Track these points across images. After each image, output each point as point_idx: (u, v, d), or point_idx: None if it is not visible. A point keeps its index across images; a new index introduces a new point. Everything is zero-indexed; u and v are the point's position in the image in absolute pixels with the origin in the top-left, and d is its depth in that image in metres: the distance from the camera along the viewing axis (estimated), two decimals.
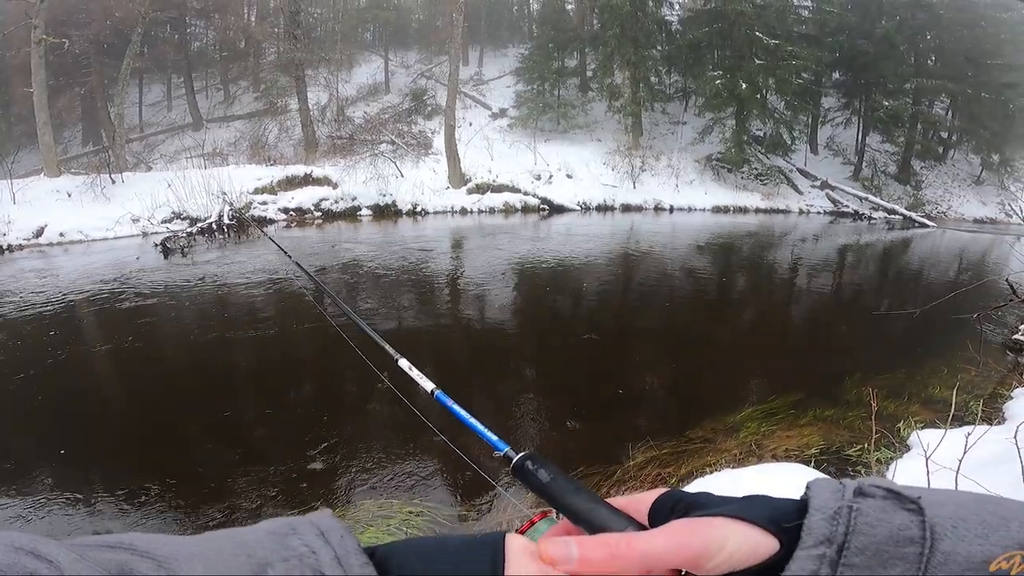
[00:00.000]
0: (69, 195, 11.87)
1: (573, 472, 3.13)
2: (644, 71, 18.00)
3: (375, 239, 11.06)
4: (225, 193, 11.92)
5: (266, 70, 21.28)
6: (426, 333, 5.87)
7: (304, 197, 13.07)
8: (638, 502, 0.38)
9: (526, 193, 14.22)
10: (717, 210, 15.55)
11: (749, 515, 0.31)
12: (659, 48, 18.80)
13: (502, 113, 20.05)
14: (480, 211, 13.77)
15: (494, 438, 0.58)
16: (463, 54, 21.23)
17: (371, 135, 17.46)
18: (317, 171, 14.15)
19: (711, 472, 3.02)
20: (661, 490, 0.38)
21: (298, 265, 2.76)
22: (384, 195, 13.37)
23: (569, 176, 15.52)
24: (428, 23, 24.69)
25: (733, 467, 3.14)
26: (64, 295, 6.96)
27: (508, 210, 13.84)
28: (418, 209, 13.49)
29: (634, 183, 15.71)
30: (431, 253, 9.68)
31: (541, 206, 14.11)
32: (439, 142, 16.43)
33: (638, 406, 4.21)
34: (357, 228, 12.17)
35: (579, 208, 14.38)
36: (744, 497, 0.35)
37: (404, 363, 0.98)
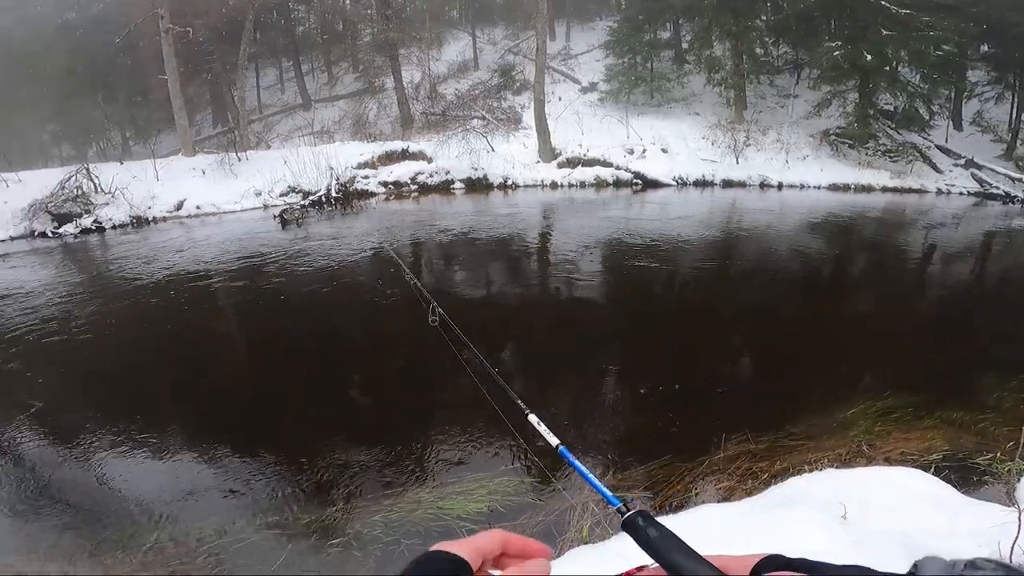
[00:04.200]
0: (203, 172, 13.57)
1: (655, 461, 3.23)
2: (748, 42, 16.83)
3: (468, 211, 11.52)
4: (332, 168, 12.97)
5: (363, 51, 22.46)
6: (515, 301, 6.14)
7: (401, 171, 13.85)
8: (740, 562, 0.42)
9: (618, 167, 13.95)
10: (835, 188, 14.23)
11: None
12: (764, 18, 17.45)
13: (592, 87, 19.64)
14: (571, 185, 13.77)
15: (609, 494, 0.63)
16: (550, 29, 20.89)
17: (462, 111, 17.93)
18: (413, 146, 14.90)
19: (810, 471, 2.94)
20: (764, 553, 0.42)
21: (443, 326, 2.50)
22: (476, 169, 13.79)
23: (664, 150, 14.93)
24: None
25: (837, 467, 3.01)
26: (207, 260, 8.14)
27: (599, 184, 13.71)
28: (509, 183, 13.78)
29: (737, 158, 14.78)
30: (522, 226, 9.92)
31: (634, 181, 13.77)
32: (529, 117, 16.49)
33: (734, 395, 4.12)
34: (451, 201, 12.75)
35: (675, 183, 13.85)
36: (845, 565, 0.38)
37: (533, 418, 1.06)
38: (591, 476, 0.74)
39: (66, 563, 2.70)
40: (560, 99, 18.63)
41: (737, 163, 14.73)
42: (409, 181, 13.71)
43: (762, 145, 15.66)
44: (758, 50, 17.61)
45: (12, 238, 11.40)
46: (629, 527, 0.49)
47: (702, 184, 13.93)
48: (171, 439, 3.71)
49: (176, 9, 15.13)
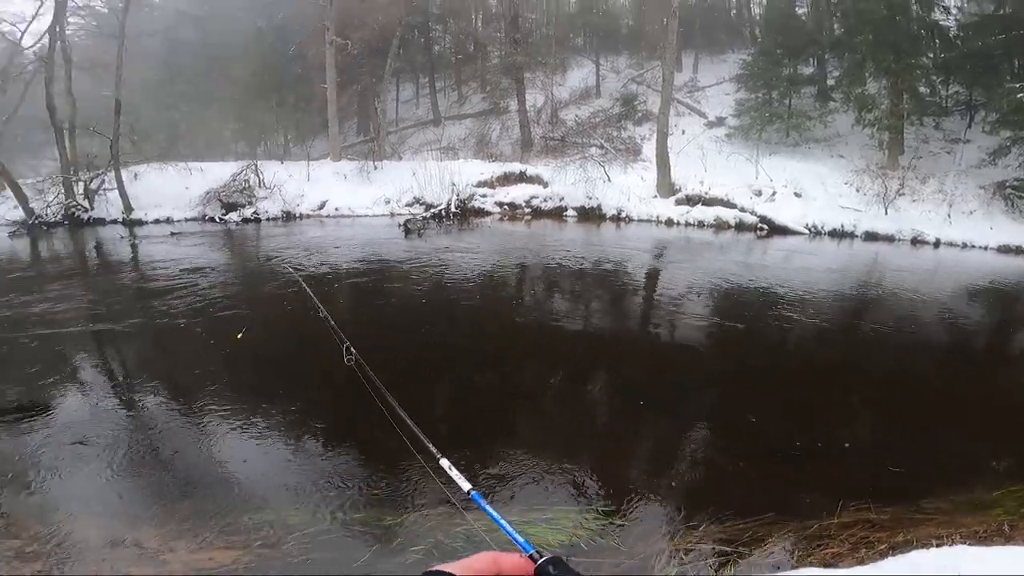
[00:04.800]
0: (345, 177, 15.45)
1: (756, 517, 3.20)
2: (910, 80, 15.55)
3: (579, 240, 11.90)
4: (454, 184, 14.13)
5: (491, 72, 24.05)
6: (610, 335, 6.29)
7: (517, 193, 14.67)
8: None
9: (743, 209, 13.53)
10: (1005, 250, 12.58)
11: None
12: (930, 55, 16.22)
13: (719, 122, 19.25)
14: (688, 224, 13.61)
15: (521, 539, 0.63)
16: (677, 60, 20.89)
17: (581, 138, 18.51)
18: (531, 170, 15.71)
19: (938, 545, 2.81)
20: None
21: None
22: (590, 198, 14.18)
23: (797, 194, 14.22)
24: (637, 28, 24.98)
25: (970, 544, 2.84)
26: (357, 259, 9.34)
27: (719, 225, 13.39)
28: (622, 215, 13.98)
29: (886, 208, 13.63)
30: (633, 261, 10.08)
31: (759, 225, 13.26)
32: (648, 149, 16.61)
33: (857, 461, 3.99)
34: (562, 228, 13.25)
35: (807, 231, 13.11)
36: None
37: (445, 462, 1.08)
38: (502, 521, 0.74)
39: (161, 530, 3.03)
40: (683, 132, 18.52)
41: (886, 214, 13.60)
42: (523, 204, 14.46)
43: (919, 195, 14.32)
44: (922, 89, 16.24)
45: (187, 219, 13.85)
46: (541, 574, 0.49)
47: (840, 235, 13.04)
48: (292, 428, 4.15)
49: (339, 22, 17.43)
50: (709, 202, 13.83)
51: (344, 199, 14.50)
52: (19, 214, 13.77)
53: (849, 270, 10.38)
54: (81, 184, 14.21)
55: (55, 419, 4.27)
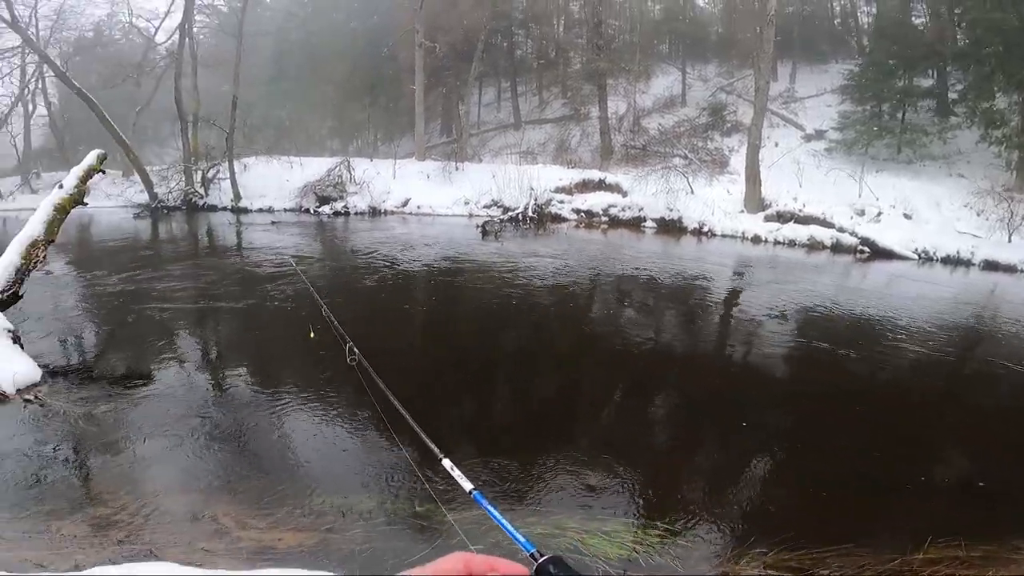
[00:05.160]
0: (428, 176, 16.00)
1: (831, 547, 2.97)
2: None
3: (656, 253, 11.55)
4: (532, 188, 14.20)
5: (572, 78, 23.96)
6: (680, 352, 6.02)
7: (595, 201, 14.48)
8: None
9: (841, 229, 12.48)
10: None
11: None
12: None
13: (818, 135, 18.06)
14: (777, 242, 12.73)
15: (522, 539, 0.63)
16: (772, 69, 19.70)
17: (664, 147, 17.98)
18: (610, 178, 15.46)
19: None
20: None
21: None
22: (671, 210, 13.70)
23: (907, 216, 12.98)
24: (728, 36, 23.83)
25: None
26: (448, 258, 9.70)
27: (813, 245, 12.41)
28: (704, 229, 13.37)
29: (1010, 235, 12.17)
30: (712, 277, 9.66)
31: (860, 247, 12.16)
32: (736, 161, 15.84)
33: (951, 497, 3.68)
34: (639, 239, 12.91)
35: (916, 256, 11.90)
36: None
37: (447, 463, 1.08)
38: (503, 520, 0.77)
39: (239, 507, 3.11)
40: (777, 145, 17.51)
41: (1009, 241, 12.16)
42: (601, 212, 14.24)
43: None
44: None
45: (285, 210, 14.92)
46: (541, 574, 0.49)
47: (954, 262, 11.75)
48: (363, 419, 4.12)
49: (428, 26, 18.04)
50: (803, 220, 12.90)
51: (426, 198, 14.99)
52: (144, 198, 15.47)
53: (961, 300, 9.38)
54: (199, 173, 15.72)
55: (162, 390, 4.55)
